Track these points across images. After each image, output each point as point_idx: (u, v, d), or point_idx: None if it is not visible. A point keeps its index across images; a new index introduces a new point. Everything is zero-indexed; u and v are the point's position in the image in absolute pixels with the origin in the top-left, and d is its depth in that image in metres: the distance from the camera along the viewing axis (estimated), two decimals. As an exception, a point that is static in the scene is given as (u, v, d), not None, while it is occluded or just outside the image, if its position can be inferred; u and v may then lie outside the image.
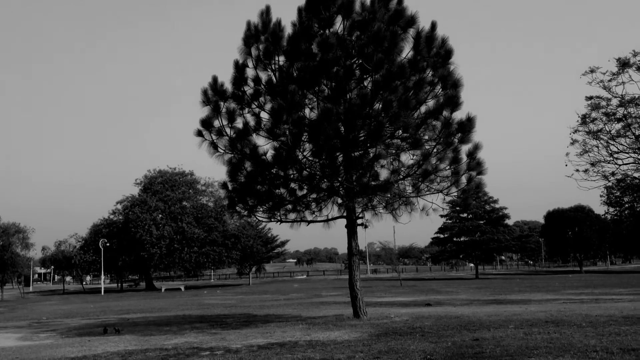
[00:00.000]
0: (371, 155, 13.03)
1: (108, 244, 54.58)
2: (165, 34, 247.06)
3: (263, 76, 13.65)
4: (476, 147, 13.33)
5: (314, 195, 14.33)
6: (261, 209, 14.37)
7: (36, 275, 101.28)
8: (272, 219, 14.57)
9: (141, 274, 64.76)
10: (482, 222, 64.29)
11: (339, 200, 14.19)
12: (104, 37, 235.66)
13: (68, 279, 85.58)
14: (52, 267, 76.14)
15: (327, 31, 12.89)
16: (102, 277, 60.45)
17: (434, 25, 13.17)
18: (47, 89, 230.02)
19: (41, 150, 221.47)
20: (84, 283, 74.01)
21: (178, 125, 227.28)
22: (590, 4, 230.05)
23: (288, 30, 13.30)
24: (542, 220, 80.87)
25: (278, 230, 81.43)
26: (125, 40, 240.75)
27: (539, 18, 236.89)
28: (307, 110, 13.33)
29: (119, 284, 68.35)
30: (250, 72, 13.70)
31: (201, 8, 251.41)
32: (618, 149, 26.58)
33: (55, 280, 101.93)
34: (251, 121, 13.70)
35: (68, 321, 19.13)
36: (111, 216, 60.74)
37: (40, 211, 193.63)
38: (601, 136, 26.75)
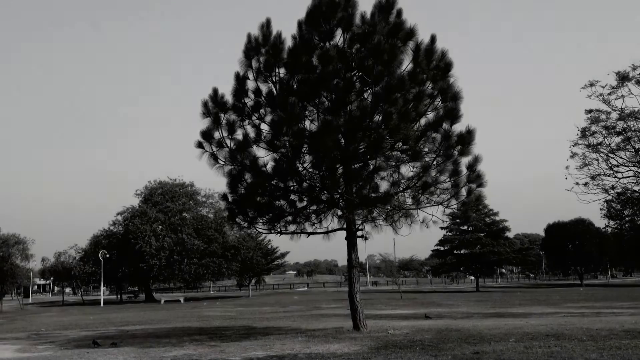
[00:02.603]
0: (371, 167, 13.05)
1: (108, 255, 54.42)
2: (167, 40, 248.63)
3: (263, 88, 13.73)
4: (476, 160, 13.34)
5: (314, 207, 14.33)
6: (261, 221, 14.35)
7: (35, 287, 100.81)
8: (272, 231, 14.54)
9: (141, 285, 64.58)
10: (482, 234, 64.30)
11: (339, 212, 14.16)
12: (104, 37, 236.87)
13: (67, 290, 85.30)
14: (52, 278, 75.92)
15: (327, 44, 12.98)
16: (102, 288, 60.22)
17: (433, 38, 13.27)
18: (46, 90, 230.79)
19: (41, 159, 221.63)
20: (82, 294, 73.70)
21: (179, 136, 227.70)
22: (593, 17, 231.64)
23: (288, 42, 13.38)
24: (542, 233, 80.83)
25: (278, 241, 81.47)
26: (125, 39, 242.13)
27: (539, 31, 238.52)
28: (307, 122, 13.41)
29: (119, 296, 68.07)
30: (250, 84, 13.78)
31: (205, 16, 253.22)
32: (618, 162, 26.69)
33: (55, 291, 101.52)
34: (251, 133, 13.76)
35: (67, 333, 19.04)
36: (111, 227, 60.73)
37: (39, 222, 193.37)
38: (601, 149, 26.87)
